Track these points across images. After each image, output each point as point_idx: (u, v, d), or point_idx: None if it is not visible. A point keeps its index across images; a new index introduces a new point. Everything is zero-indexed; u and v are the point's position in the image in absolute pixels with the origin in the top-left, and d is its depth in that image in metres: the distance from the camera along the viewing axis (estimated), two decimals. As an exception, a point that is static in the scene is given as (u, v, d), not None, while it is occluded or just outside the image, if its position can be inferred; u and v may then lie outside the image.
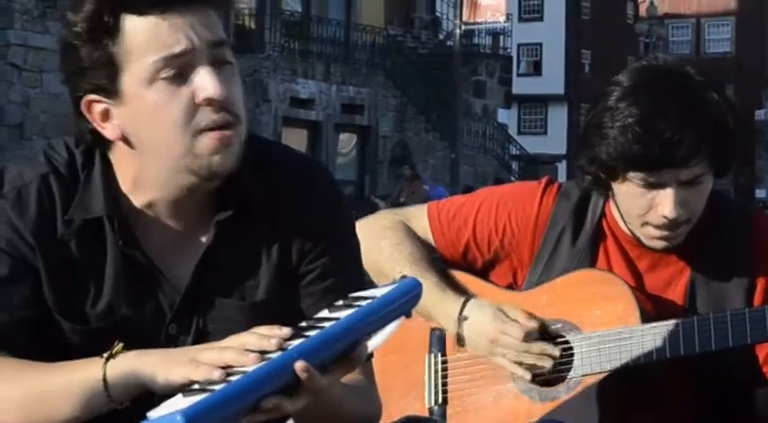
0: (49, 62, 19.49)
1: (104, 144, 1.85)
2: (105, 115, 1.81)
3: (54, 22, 19.72)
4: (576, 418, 2.33)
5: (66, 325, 1.83)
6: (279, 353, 1.57)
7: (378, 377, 1.98)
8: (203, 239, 1.86)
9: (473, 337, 2.42)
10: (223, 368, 1.58)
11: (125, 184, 1.86)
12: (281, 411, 1.58)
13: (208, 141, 1.77)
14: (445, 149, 27.51)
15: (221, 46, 1.80)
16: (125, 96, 1.78)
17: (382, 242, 2.51)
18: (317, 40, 26.20)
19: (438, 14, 31.88)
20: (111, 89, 1.79)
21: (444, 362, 2.53)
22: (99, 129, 1.82)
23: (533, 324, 2.38)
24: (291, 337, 1.60)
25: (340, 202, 1.97)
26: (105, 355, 1.70)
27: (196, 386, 1.57)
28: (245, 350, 1.59)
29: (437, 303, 2.43)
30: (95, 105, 1.81)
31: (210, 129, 1.77)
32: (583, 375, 2.37)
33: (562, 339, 2.40)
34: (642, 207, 2.30)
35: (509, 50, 33.65)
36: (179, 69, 1.76)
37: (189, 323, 1.86)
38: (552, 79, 46.83)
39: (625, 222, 2.39)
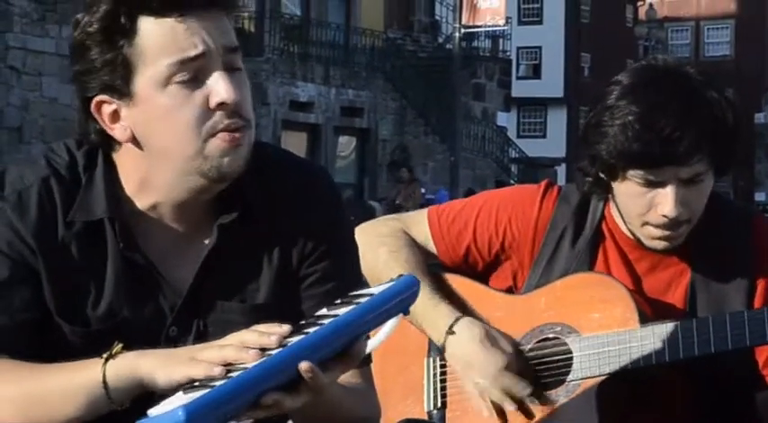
0: (49, 66, 19.51)
1: (110, 145, 1.85)
2: (115, 116, 1.81)
3: (53, 25, 19.73)
4: (574, 422, 2.33)
5: (66, 327, 1.83)
6: (279, 349, 1.58)
7: (377, 381, 1.98)
8: (205, 242, 1.87)
9: (454, 353, 2.42)
10: (223, 366, 1.58)
11: (129, 186, 1.86)
12: (281, 408, 1.58)
13: (218, 143, 1.78)
14: (445, 152, 27.53)
15: (234, 52, 1.81)
16: (137, 98, 1.78)
17: (380, 249, 2.51)
18: (316, 43, 26.21)
19: (437, 18, 31.90)
20: (122, 90, 1.78)
21: (443, 366, 2.53)
22: (108, 130, 1.82)
23: (517, 358, 2.38)
24: (291, 334, 1.61)
25: (339, 205, 1.98)
26: (105, 355, 1.70)
27: (197, 383, 1.57)
28: (245, 347, 1.60)
29: (428, 314, 2.43)
30: (105, 106, 1.81)
31: (222, 132, 1.78)
32: (581, 378, 2.36)
33: (560, 342, 2.40)
34: (642, 206, 2.30)
35: (508, 53, 33.70)
36: (194, 73, 1.77)
37: (189, 325, 1.86)
38: (551, 82, 46.83)
39: (626, 224, 2.39)
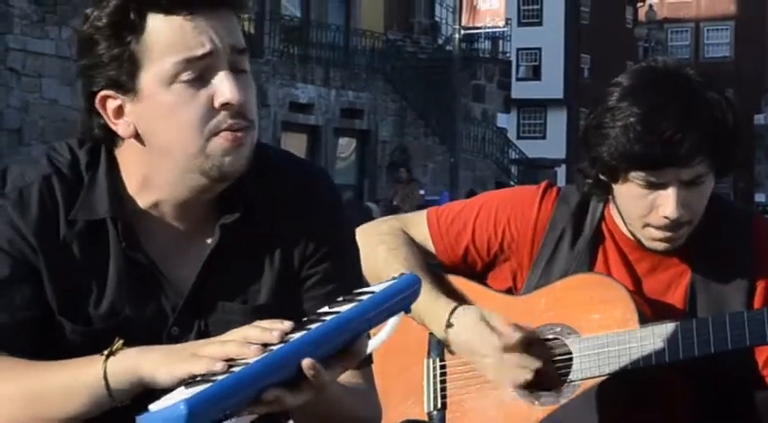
0: (48, 67, 19.51)
1: (113, 141, 1.85)
2: (119, 112, 1.81)
3: (53, 27, 19.74)
4: (575, 422, 2.33)
5: (68, 326, 1.83)
6: (281, 345, 1.58)
7: (377, 381, 1.98)
8: (207, 242, 1.87)
9: (459, 344, 2.42)
10: (225, 361, 1.58)
11: (131, 183, 1.86)
12: (282, 404, 1.58)
13: (221, 142, 1.78)
14: (444, 154, 27.53)
15: (241, 53, 1.81)
16: (142, 94, 1.78)
17: (379, 247, 2.51)
18: (316, 44, 26.21)
19: (437, 19, 31.90)
20: (127, 86, 1.79)
21: (443, 366, 2.53)
22: (111, 125, 1.82)
23: (515, 335, 2.37)
24: (293, 331, 1.61)
25: (339, 206, 1.98)
26: (105, 352, 1.70)
27: (198, 378, 1.57)
28: (248, 343, 1.60)
29: (428, 310, 2.44)
30: (110, 101, 1.81)
31: (224, 130, 1.78)
32: (581, 379, 2.36)
33: (560, 343, 2.40)
34: (644, 208, 2.30)
35: (508, 55, 33.68)
36: (199, 72, 1.77)
37: (191, 325, 1.86)
38: (551, 84, 46.84)
39: (626, 225, 2.39)
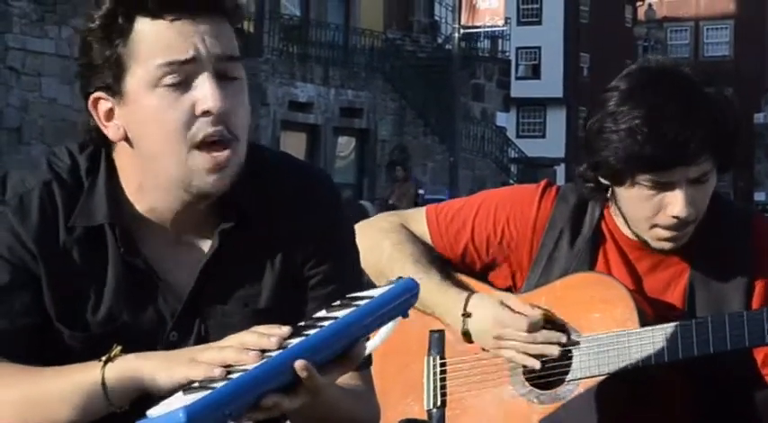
0: (48, 66, 19.50)
1: (108, 144, 1.86)
2: (109, 114, 1.82)
3: (53, 26, 19.73)
4: (574, 421, 2.33)
5: (66, 332, 1.82)
6: (279, 351, 1.58)
7: (376, 380, 1.98)
8: (205, 247, 1.86)
9: (479, 333, 2.42)
10: (224, 367, 1.58)
11: (129, 187, 1.85)
12: (281, 409, 1.58)
13: (201, 161, 1.77)
14: (444, 153, 27.52)
15: (231, 60, 1.80)
16: (127, 98, 1.79)
17: (383, 243, 2.51)
18: (315, 43, 26.21)
19: (437, 18, 31.89)
20: (116, 89, 1.79)
21: (443, 364, 2.53)
22: (102, 127, 1.83)
23: (537, 313, 2.38)
24: (291, 336, 1.61)
25: (340, 207, 1.97)
26: (103, 358, 1.70)
27: (196, 384, 1.57)
28: (245, 349, 1.60)
29: (440, 301, 2.44)
30: (101, 103, 1.82)
31: (206, 145, 1.77)
32: (581, 378, 2.37)
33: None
34: (651, 209, 2.30)
35: (508, 54, 33.68)
36: (183, 77, 1.76)
37: (190, 331, 1.86)
38: (551, 82, 46.83)
39: (629, 226, 2.39)
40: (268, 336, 1.61)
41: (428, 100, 28.04)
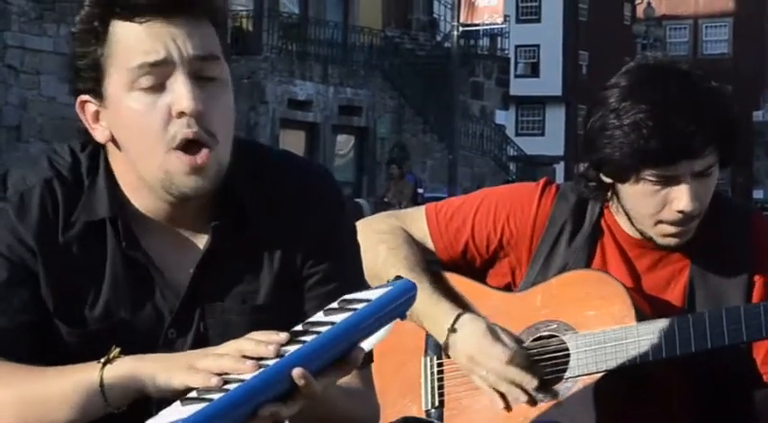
0: (47, 64, 19.50)
1: (99, 144, 1.86)
2: (96, 117, 1.83)
3: (51, 24, 19.73)
4: (572, 419, 2.33)
5: (63, 328, 1.82)
6: (276, 360, 1.57)
7: (374, 379, 1.97)
8: (201, 244, 1.86)
9: (457, 352, 2.41)
10: (220, 375, 1.57)
11: (125, 185, 1.86)
12: (278, 418, 1.58)
13: (178, 163, 1.77)
14: (443, 151, 27.52)
15: (207, 60, 1.79)
16: (109, 101, 1.80)
17: (379, 246, 2.50)
18: (314, 41, 26.21)
19: (435, 16, 31.90)
20: (98, 92, 1.80)
21: (440, 364, 2.53)
22: (90, 130, 1.84)
23: (521, 351, 2.36)
24: (288, 343, 1.60)
25: (341, 206, 1.97)
26: (102, 360, 1.70)
27: (194, 394, 1.57)
28: (243, 357, 1.59)
29: (429, 313, 2.42)
30: (88, 105, 1.83)
31: (183, 146, 1.76)
32: (579, 376, 2.37)
33: (557, 340, 2.40)
34: (656, 205, 2.30)
35: (506, 52, 33.70)
36: (158, 79, 1.76)
37: (188, 327, 1.85)
38: (550, 80, 46.85)
39: (631, 223, 2.38)
40: (266, 343, 1.59)
41: (427, 98, 28.04)
